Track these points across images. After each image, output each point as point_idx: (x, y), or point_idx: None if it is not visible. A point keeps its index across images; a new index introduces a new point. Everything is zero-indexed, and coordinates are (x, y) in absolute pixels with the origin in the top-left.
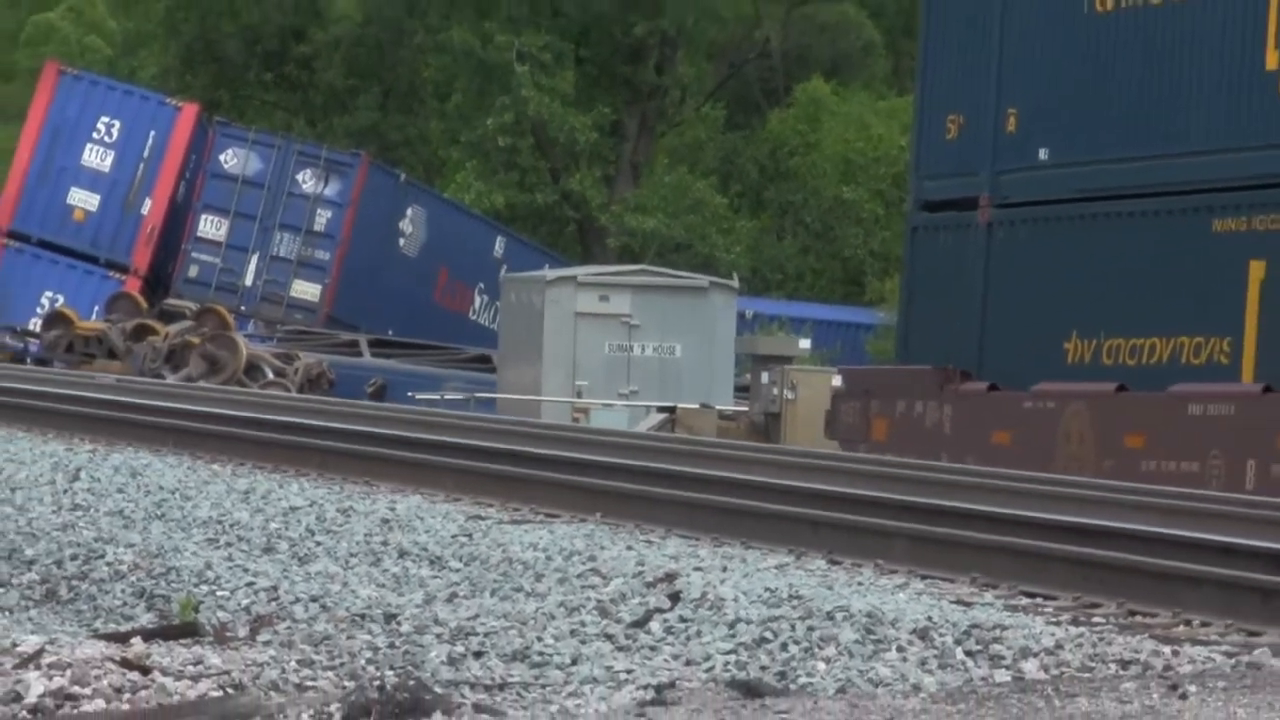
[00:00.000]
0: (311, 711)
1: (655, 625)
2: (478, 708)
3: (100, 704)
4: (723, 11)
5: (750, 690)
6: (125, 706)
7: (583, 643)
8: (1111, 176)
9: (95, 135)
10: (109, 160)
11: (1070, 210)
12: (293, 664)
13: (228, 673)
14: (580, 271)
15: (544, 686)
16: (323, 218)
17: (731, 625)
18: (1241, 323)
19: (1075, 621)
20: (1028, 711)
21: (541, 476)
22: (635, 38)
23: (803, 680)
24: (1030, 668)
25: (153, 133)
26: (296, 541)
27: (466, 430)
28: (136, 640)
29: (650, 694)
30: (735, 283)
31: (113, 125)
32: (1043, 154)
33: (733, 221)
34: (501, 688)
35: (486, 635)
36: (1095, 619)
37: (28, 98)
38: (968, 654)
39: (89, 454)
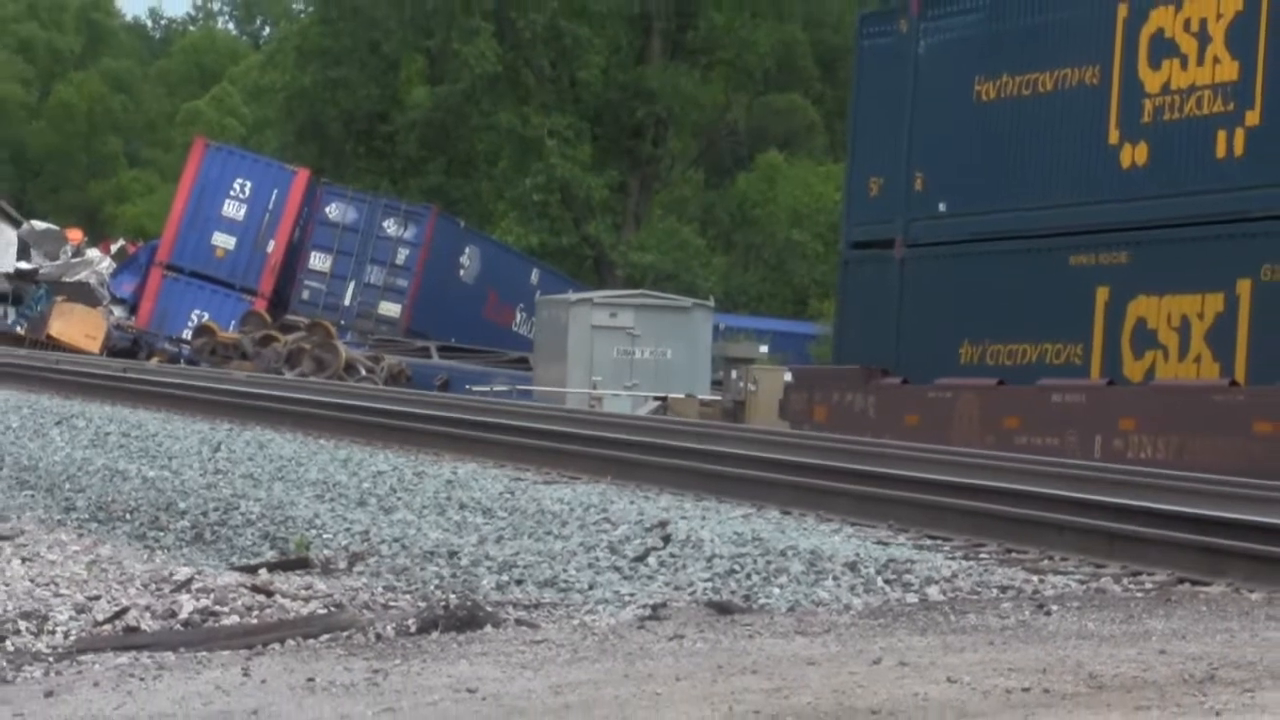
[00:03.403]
0: (394, 624)
1: (652, 560)
2: (519, 621)
3: (235, 619)
4: (702, 100)
5: (723, 608)
6: (254, 621)
7: (597, 573)
8: (994, 223)
9: (232, 193)
10: (242, 211)
11: (963, 249)
12: (380, 589)
13: (331, 595)
14: (595, 295)
15: (568, 606)
16: (402, 254)
17: (709, 560)
18: (1091, 333)
19: (966, 557)
20: (930, 625)
21: (566, 448)
22: (637, 119)
23: (762, 601)
24: (933, 592)
25: (275, 191)
26: (383, 497)
27: (510, 414)
28: (262, 571)
29: (648, 611)
30: (711, 303)
31: (245, 185)
32: (942, 207)
33: (709, 257)
34: (536, 606)
35: (525, 568)
36: (981, 555)
37: (181, 164)
38: (886, 581)
39: (227, 431)
